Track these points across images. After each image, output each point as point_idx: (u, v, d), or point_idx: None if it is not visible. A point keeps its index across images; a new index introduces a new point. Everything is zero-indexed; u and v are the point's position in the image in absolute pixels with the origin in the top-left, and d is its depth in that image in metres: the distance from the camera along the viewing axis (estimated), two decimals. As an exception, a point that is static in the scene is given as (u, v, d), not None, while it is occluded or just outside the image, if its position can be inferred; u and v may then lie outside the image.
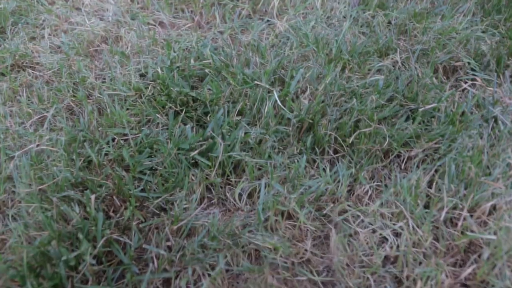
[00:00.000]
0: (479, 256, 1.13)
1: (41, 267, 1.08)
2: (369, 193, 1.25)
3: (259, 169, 1.30)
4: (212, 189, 1.29)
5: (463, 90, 1.60)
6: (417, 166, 1.31)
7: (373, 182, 1.28)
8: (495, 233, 1.15)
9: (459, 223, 1.17)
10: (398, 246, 1.13)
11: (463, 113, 1.46)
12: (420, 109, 1.39)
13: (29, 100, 1.55)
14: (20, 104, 1.53)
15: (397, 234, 1.17)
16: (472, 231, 1.15)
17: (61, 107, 1.52)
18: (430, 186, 1.25)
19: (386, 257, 1.13)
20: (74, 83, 1.62)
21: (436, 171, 1.29)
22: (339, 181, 1.27)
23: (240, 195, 1.26)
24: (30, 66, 1.73)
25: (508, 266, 1.09)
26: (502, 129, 1.38)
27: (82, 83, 1.61)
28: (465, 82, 1.59)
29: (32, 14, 2.02)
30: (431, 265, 1.09)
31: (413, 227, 1.15)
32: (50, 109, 1.50)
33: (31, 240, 1.12)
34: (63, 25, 1.97)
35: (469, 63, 1.67)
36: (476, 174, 1.24)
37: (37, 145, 1.35)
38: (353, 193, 1.26)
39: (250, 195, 1.27)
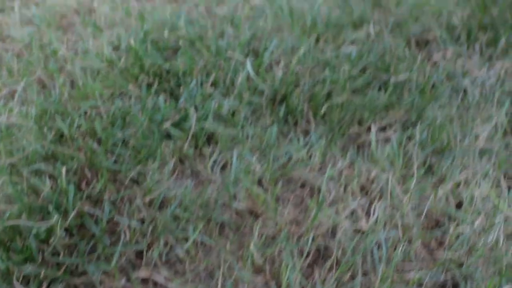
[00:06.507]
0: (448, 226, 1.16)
1: (11, 241, 1.07)
2: (342, 163, 1.26)
3: (232, 140, 1.30)
4: (185, 161, 1.28)
5: (434, 63, 1.61)
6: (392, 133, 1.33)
7: (346, 152, 1.28)
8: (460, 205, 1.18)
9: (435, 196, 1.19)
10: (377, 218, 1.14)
11: (433, 85, 1.47)
12: (392, 80, 1.40)
13: (-2, 73, 1.52)
14: (-11, 77, 1.50)
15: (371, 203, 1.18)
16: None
17: (32, 80, 1.50)
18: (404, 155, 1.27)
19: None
20: (45, 56, 1.59)
21: (409, 139, 1.31)
22: (311, 152, 1.27)
23: (212, 167, 1.26)
24: (0, 39, 1.69)
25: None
26: (470, 101, 1.40)
27: (54, 55, 1.58)
28: (437, 52, 1.60)
29: (1, -14, 1.97)
30: (407, 235, 1.11)
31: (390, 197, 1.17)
32: (21, 82, 1.47)
33: (0, 214, 1.11)
34: (33, -3, 1.92)
35: (441, 36, 1.68)
36: (448, 142, 1.25)
37: (7, 118, 1.32)
38: (326, 164, 1.27)
39: (223, 167, 1.27)
